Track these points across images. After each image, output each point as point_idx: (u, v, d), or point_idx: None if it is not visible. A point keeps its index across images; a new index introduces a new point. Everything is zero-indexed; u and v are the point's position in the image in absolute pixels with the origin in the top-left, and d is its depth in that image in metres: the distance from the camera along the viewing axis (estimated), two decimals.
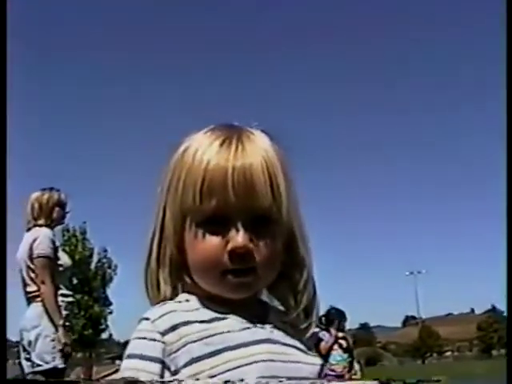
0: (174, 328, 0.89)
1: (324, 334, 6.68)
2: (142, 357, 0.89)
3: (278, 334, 0.95)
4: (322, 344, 6.51)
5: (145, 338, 0.90)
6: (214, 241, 0.91)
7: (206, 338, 0.89)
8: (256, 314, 0.95)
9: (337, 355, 6.70)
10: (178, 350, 0.88)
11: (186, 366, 0.87)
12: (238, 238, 0.90)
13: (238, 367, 0.87)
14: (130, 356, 0.90)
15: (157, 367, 0.88)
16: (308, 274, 1.00)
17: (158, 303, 0.95)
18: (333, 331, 6.75)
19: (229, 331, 0.91)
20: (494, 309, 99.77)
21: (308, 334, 1.00)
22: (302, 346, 0.98)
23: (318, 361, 0.99)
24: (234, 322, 0.92)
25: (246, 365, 0.88)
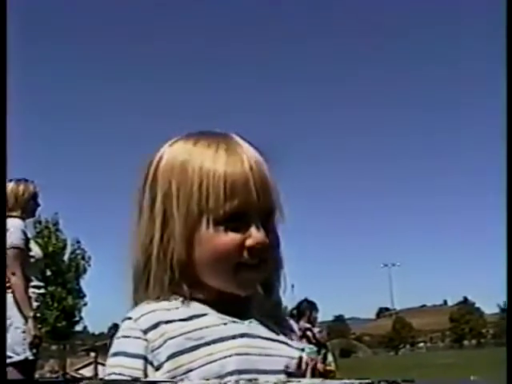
0: (155, 326, 0.94)
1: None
2: (126, 354, 0.93)
3: (256, 329, 0.99)
4: None
5: (128, 337, 0.94)
6: (234, 236, 0.96)
7: (185, 333, 0.93)
8: (234, 310, 0.99)
9: (305, 348, 6.73)
10: (160, 346, 0.92)
11: (167, 360, 0.92)
12: (258, 234, 0.96)
13: (216, 360, 0.92)
14: (115, 354, 0.94)
15: (140, 363, 0.92)
16: (284, 273, 1.06)
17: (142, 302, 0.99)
18: (301, 323, 6.79)
19: (207, 327, 0.95)
20: (465, 301, 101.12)
21: (283, 322, 1.07)
22: (281, 339, 1.02)
23: (296, 353, 1.02)
24: (212, 318, 0.97)
25: (224, 358, 0.92)
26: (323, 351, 6.89)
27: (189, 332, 0.93)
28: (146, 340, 0.93)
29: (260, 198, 0.96)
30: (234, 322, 0.97)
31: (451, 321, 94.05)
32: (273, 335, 1.01)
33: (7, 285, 3.97)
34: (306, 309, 7.00)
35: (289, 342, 1.03)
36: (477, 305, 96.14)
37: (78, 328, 36.47)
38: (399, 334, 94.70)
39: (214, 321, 0.96)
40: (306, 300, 7.20)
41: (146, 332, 0.93)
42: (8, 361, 3.85)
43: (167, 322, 0.94)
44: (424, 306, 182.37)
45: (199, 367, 0.91)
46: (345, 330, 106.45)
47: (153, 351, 0.92)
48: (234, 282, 0.97)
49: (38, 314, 4.06)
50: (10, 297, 3.96)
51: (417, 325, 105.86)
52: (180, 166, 0.99)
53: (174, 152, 1.01)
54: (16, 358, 3.87)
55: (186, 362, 0.91)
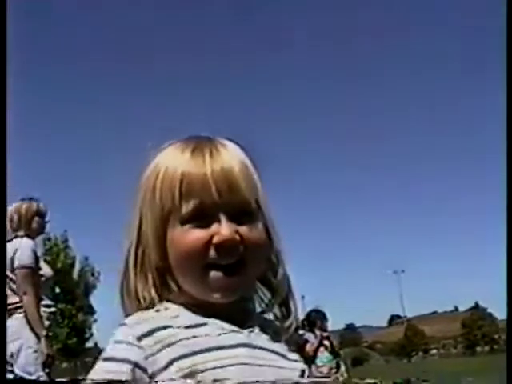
0: (151, 332, 0.90)
1: (309, 336, 6.74)
2: (113, 359, 0.89)
3: (257, 339, 0.97)
4: (308, 346, 6.57)
5: (121, 342, 0.91)
6: (199, 234, 0.93)
7: (183, 340, 0.90)
8: (235, 319, 0.97)
9: (323, 357, 6.76)
10: (157, 353, 0.89)
11: (166, 367, 0.88)
12: (223, 230, 0.92)
13: (216, 368, 0.89)
14: (103, 359, 0.91)
15: (128, 368, 0.88)
16: (283, 275, 1.03)
17: (136, 312, 0.96)
18: (317, 332, 6.82)
19: (206, 335, 0.92)
20: (477, 306, 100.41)
21: (288, 335, 1.02)
22: (281, 351, 1.00)
23: (299, 366, 1.01)
24: (212, 327, 0.94)
25: (224, 366, 0.89)
26: (335, 360, 6.90)
27: (187, 339, 0.90)
28: (139, 347, 0.89)
29: (224, 196, 0.94)
30: (234, 331, 0.95)
31: (463, 327, 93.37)
32: (273, 346, 0.99)
33: (19, 305, 3.99)
34: (316, 319, 7.01)
35: (288, 354, 1.01)
36: (489, 310, 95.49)
37: (89, 344, 36.44)
38: (411, 342, 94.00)
39: (213, 330, 0.93)
40: (314, 310, 7.22)
41: (140, 338, 0.90)
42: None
43: (164, 328, 0.91)
44: (435, 312, 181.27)
45: (198, 373, 0.88)
46: (357, 339, 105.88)
47: (147, 358, 0.89)
48: (204, 285, 0.94)
49: (50, 333, 4.07)
50: (21, 317, 3.97)
51: (428, 332, 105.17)
52: (151, 171, 1.00)
53: (155, 159, 1.02)
54: (28, 378, 3.87)
55: (184, 366, 0.88)
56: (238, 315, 0.98)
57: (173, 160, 0.97)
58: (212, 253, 0.93)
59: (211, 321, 0.95)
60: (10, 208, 4.21)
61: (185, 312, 0.95)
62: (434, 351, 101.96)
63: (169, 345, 0.90)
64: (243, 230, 0.94)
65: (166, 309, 0.96)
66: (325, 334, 6.89)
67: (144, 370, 0.88)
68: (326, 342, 6.85)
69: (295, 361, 1.01)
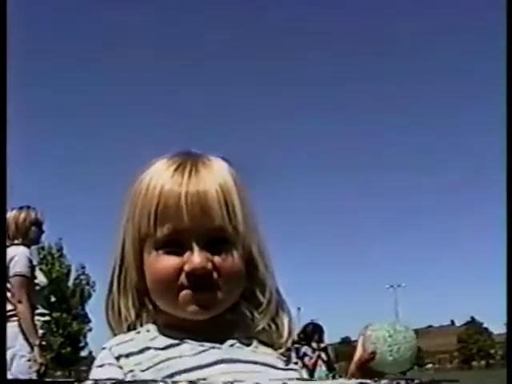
0: (128, 355, 0.91)
1: (307, 350, 6.72)
2: (98, 380, 0.89)
3: (239, 352, 0.95)
4: (306, 359, 6.55)
5: (102, 365, 0.92)
6: (171, 261, 0.93)
7: (158, 364, 0.90)
8: (216, 334, 0.95)
9: (321, 371, 6.74)
10: (133, 376, 0.89)
11: None
12: (195, 258, 0.91)
13: None
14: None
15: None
16: (271, 294, 1.00)
17: (119, 332, 0.97)
18: (315, 345, 6.79)
19: (181, 356, 0.91)
20: (473, 320, 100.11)
21: (281, 350, 1.00)
22: (271, 362, 0.97)
23: (290, 374, 0.97)
24: (188, 347, 0.93)
25: None
26: (332, 374, 6.89)
27: (161, 362, 0.90)
28: (119, 367, 0.90)
29: (196, 221, 0.91)
30: (210, 348, 0.93)
31: (459, 341, 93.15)
32: (260, 358, 0.96)
33: (12, 313, 3.98)
34: (314, 332, 6.99)
35: (279, 364, 0.97)
36: (485, 325, 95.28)
37: (83, 354, 36.30)
38: None
39: (189, 350, 0.92)
40: (311, 323, 7.20)
41: (118, 359, 0.91)
42: None
43: (141, 351, 0.92)
44: (430, 326, 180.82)
45: None
46: (352, 353, 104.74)
47: (126, 374, 0.89)
48: (177, 304, 0.93)
49: (44, 342, 4.05)
50: (15, 325, 3.96)
51: (424, 346, 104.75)
52: (136, 187, 0.97)
53: (142, 174, 0.99)
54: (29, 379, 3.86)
55: None
56: (220, 330, 0.96)
57: (155, 178, 0.95)
58: (183, 279, 0.92)
59: (190, 339, 0.94)
60: (8, 215, 4.20)
61: (164, 332, 0.95)
62: (430, 365, 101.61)
63: (148, 368, 0.90)
64: (217, 258, 0.93)
65: (148, 331, 0.96)
66: (322, 345, 6.88)
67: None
68: (323, 355, 6.83)
69: (288, 370, 0.98)
